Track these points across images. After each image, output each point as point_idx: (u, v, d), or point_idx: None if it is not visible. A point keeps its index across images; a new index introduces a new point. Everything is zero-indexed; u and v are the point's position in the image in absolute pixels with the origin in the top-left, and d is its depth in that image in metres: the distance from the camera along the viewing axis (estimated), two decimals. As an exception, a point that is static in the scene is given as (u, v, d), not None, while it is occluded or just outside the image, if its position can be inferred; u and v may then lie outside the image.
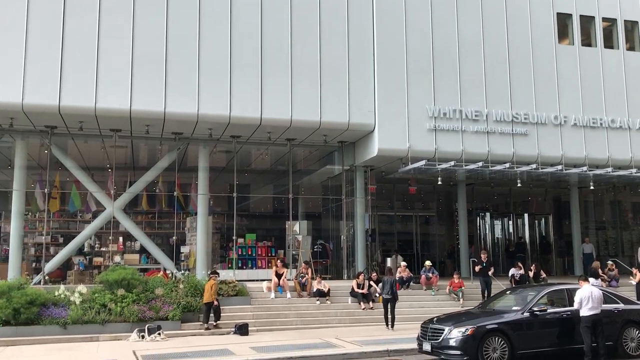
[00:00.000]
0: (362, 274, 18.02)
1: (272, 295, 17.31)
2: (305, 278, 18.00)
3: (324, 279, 19.31)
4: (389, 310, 15.68)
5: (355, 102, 18.38)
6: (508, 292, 13.79)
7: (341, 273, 21.26)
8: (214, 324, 15.37)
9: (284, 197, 21.68)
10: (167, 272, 18.51)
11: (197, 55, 17.08)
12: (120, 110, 16.37)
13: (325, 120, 18.06)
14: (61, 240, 22.72)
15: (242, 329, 15.07)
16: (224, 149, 20.46)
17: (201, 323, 15.52)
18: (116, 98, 16.27)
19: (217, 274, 16.59)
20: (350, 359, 12.43)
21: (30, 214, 21.63)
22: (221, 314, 15.61)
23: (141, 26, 16.75)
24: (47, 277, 18.10)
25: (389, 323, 15.61)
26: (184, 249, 21.57)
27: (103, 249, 21.38)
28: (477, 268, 18.76)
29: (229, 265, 20.51)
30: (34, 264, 21.59)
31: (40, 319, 14.36)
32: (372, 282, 17.87)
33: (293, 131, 18.57)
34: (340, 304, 17.30)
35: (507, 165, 19.23)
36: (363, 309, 17.10)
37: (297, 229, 21.63)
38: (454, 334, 11.17)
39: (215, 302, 15.34)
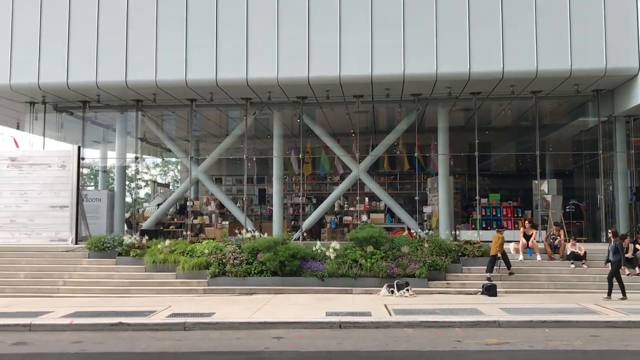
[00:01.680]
0: (627, 237, 16.17)
1: (520, 257, 16.56)
2: (557, 240, 16.81)
3: (579, 241, 17.79)
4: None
5: (613, 43, 16.27)
6: None
7: (598, 235, 19.38)
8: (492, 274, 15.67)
9: (529, 154, 20.40)
10: (412, 231, 18.92)
11: (434, 11, 16.77)
12: (363, 76, 16.96)
13: (577, 67, 16.37)
14: (314, 200, 24.78)
15: (490, 290, 14.75)
16: (462, 107, 19.97)
17: (447, 282, 15.67)
18: (358, 65, 16.88)
19: (503, 229, 17.55)
20: (614, 327, 11.29)
21: (287, 177, 23.94)
22: (471, 274, 15.74)
23: (378, -9, 16.98)
24: (304, 234, 19.92)
25: (661, 292, 13.77)
26: (426, 209, 21.80)
27: (351, 208, 22.72)
28: None
29: (473, 226, 20.16)
30: (292, 222, 23.96)
31: (301, 270, 15.89)
32: (638, 246, 15.93)
33: (539, 82, 17.23)
34: (597, 269, 15.80)
35: None
36: (627, 274, 15.37)
37: (545, 188, 20.24)
38: None
39: (499, 255, 15.65)
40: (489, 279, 15.44)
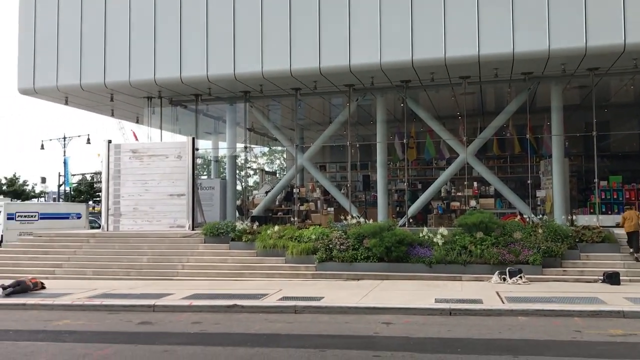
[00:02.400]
0: None
1: (647, 243, 15.33)
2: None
3: None
4: None
5: None
6: None
7: None
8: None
9: (655, 132, 18.79)
10: (525, 216, 18.11)
11: (546, -15, 15.79)
12: (470, 56, 16.36)
13: None
14: (419, 186, 24.41)
15: (611, 278, 13.81)
16: (578, 84, 18.74)
17: (563, 270, 14.87)
18: (464, 45, 16.31)
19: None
20: None
21: (391, 163, 23.75)
22: (590, 261, 14.87)
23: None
24: (410, 220, 19.69)
25: None
26: (539, 193, 20.76)
27: (459, 193, 22.14)
28: None
29: (591, 211, 18.93)
30: (397, 208, 23.77)
31: (407, 257, 15.73)
32: None
33: (667, 54, 15.76)
34: None
35: None
36: None
37: (676, 169, 18.54)
38: None
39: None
40: (637, 259, 14.60)
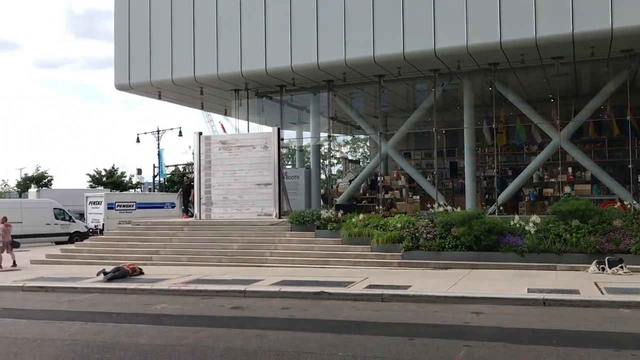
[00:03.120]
0: None
1: None
2: None
3: None
4: None
5: None
6: None
7: None
8: None
9: None
10: (625, 203, 17.05)
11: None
12: (563, 35, 15.52)
13: None
14: (509, 172, 23.55)
15: None
16: (686, 60, 17.31)
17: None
18: (557, 23, 15.50)
19: None
20: None
21: (479, 149, 23.07)
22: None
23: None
24: (500, 208, 19.07)
25: None
26: (642, 178, 19.44)
27: (552, 180, 21.18)
28: None
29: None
30: (486, 196, 23.07)
31: (497, 245, 15.26)
32: None
33: None
34: None
35: None
36: None
37: None
38: None
39: None
40: None
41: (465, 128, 19.78)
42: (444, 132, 20.94)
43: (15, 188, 65.97)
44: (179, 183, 54.78)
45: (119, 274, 14.76)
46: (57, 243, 28.07)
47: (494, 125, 19.70)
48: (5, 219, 18.78)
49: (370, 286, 12.51)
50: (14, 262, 18.31)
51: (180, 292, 12.90)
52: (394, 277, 13.74)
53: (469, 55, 17.11)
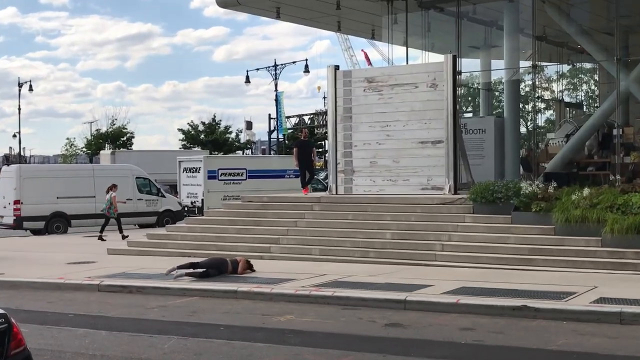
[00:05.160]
0: None
1: None
2: None
3: None
4: None
5: None
6: None
7: None
8: None
9: None
10: None
11: None
12: None
13: None
14: None
15: None
16: None
17: None
18: None
19: None
20: None
21: None
22: None
23: None
24: None
25: None
26: None
27: None
28: None
29: None
30: None
31: None
32: None
33: None
34: None
35: None
36: None
37: None
38: None
39: None
40: None
41: None
42: None
43: (84, 150, 71.30)
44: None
45: (213, 271, 15.49)
46: (142, 226, 30.15)
47: None
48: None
49: (601, 300, 12.12)
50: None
51: (312, 299, 13.31)
52: (638, 287, 13.14)
53: None
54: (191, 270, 15.51)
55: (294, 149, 23.95)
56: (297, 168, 23.49)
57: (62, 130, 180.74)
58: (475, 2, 21.44)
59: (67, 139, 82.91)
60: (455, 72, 20.04)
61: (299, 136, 24.76)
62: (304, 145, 23.63)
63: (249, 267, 16.17)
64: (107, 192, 24.83)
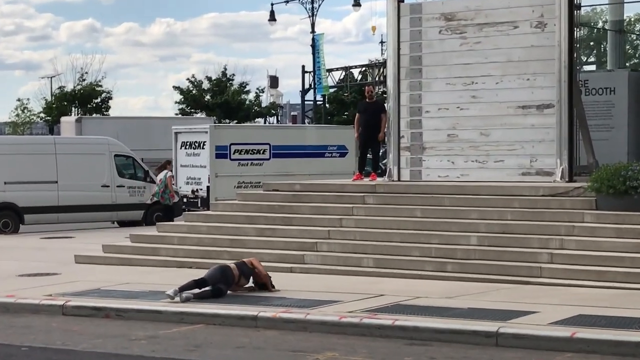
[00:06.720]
0: None
1: None
2: None
3: None
4: None
5: None
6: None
7: None
8: None
9: None
10: None
11: None
12: None
13: None
14: None
15: None
16: None
17: None
18: None
19: None
20: None
21: None
22: None
23: None
24: None
25: None
26: None
27: None
28: None
29: None
30: None
31: None
32: None
33: None
34: None
35: None
36: None
37: None
38: None
39: None
40: None
41: None
42: None
43: (42, 115, 71.54)
44: (351, 104, 55.60)
45: (210, 291, 15.46)
46: (122, 224, 30.33)
47: None
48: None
49: None
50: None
51: (364, 329, 13.29)
52: None
53: None
54: (198, 291, 15.44)
55: (357, 116, 23.92)
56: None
57: (11, 88, 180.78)
58: None
59: (18, 100, 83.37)
60: (573, 6, 19.87)
61: (367, 93, 23.21)
62: (369, 110, 23.41)
63: (270, 284, 16.13)
64: (159, 170, 26.11)
